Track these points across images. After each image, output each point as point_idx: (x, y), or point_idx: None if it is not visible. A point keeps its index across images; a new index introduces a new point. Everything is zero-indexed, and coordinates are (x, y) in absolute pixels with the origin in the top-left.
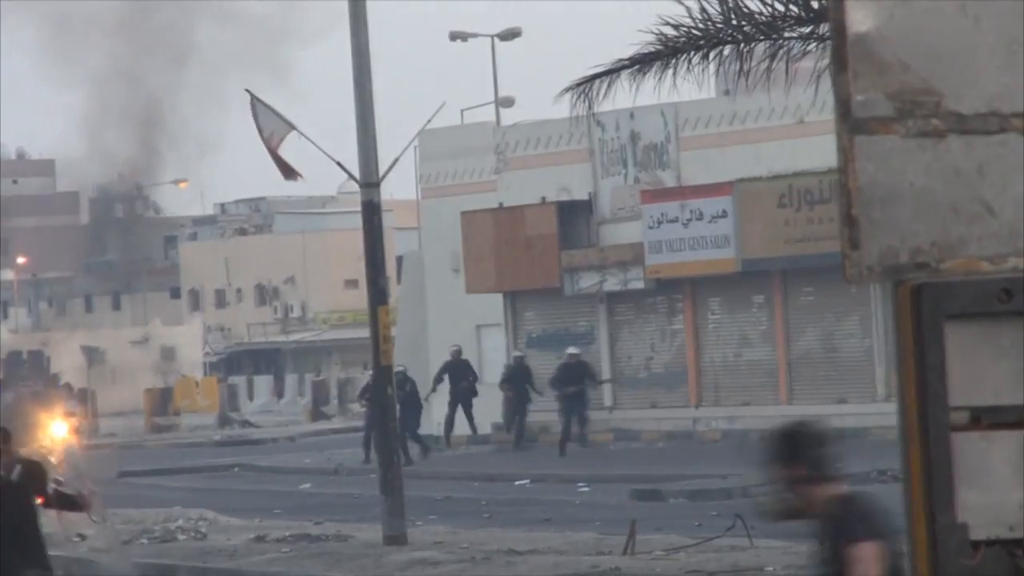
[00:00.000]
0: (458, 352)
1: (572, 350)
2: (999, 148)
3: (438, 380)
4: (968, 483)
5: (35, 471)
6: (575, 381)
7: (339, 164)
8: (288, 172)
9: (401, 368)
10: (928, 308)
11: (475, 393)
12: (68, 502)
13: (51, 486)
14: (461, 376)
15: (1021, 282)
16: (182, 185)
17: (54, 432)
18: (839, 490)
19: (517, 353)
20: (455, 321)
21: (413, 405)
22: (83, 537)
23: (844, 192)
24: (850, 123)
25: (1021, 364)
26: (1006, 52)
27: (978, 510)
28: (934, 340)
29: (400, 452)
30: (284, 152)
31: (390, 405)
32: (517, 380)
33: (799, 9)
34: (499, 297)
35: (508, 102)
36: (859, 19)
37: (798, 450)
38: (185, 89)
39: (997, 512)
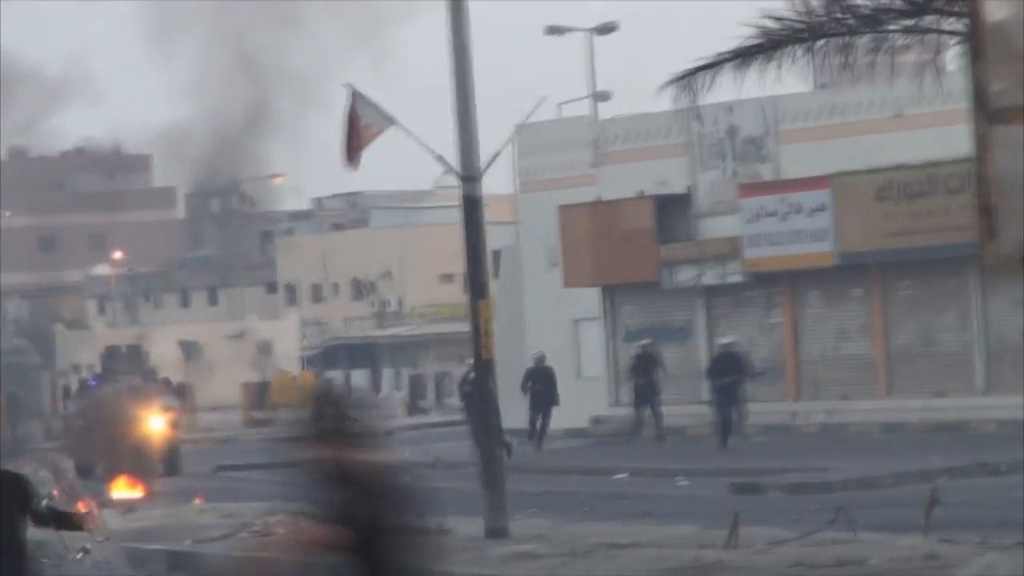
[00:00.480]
0: (541, 359)
1: (726, 340)
2: None
3: (524, 387)
4: None
5: (14, 487)
6: (729, 372)
7: (440, 158)
8: (353, 159)
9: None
10: None
11: (555, 402)
12: (63, 520)
13: (43, 502)
14: (543, 382)
15: None
16: (279, 180)
17: (153, 426)
18: (370, 457)
19: (646, 340)
20: (552, 315)
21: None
22: (87, 551)
23: (981, 181)
24: (987, 112)
25: None
26: None
27: None
28: None
29: (503, 446)
30: (376, 145)
31: (492, 399)
32: (645, 369)
33: (902, 1)
34: (596, 291)
35: (605, 96)
36: (996, 9)
37: (326, 411)
38: (284, 81)
39: None
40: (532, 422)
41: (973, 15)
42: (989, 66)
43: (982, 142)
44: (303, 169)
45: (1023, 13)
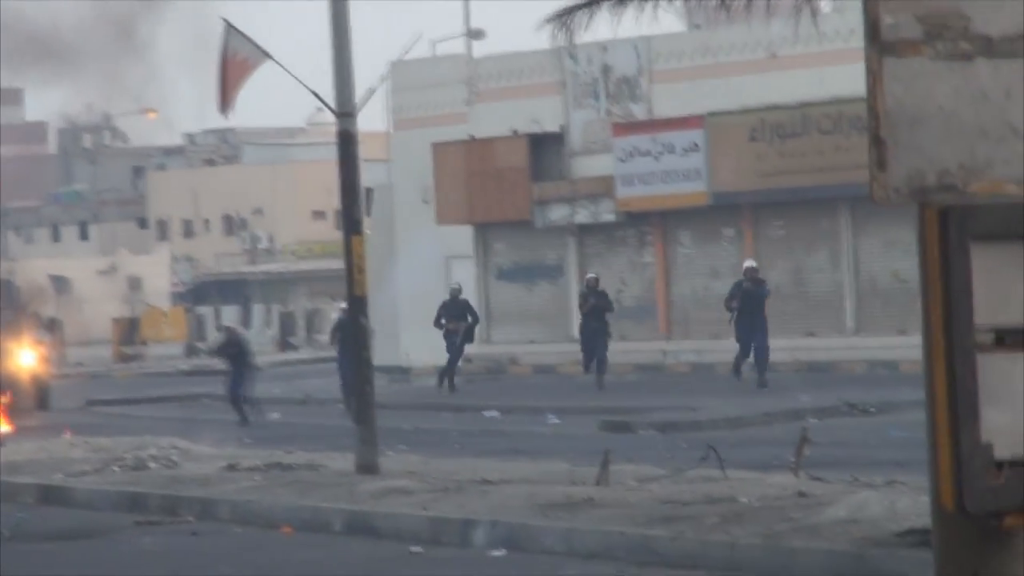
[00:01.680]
0: (457, 291)
1: (592, 275)
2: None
3: (438, 322)
4: (992, 404)
5: None
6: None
7: (315, 94)
8: (227, 103)
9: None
10: (955, 230)
11: (471, 339)
12: None
13: None
14: (460, 317)
15: None
16: (151, 115)
17: (22, 361)
18: None
19: (591, 275)
20: (424, 253)
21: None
22: None
23: (872, 114)
24: (879, 45)
25: None
26: None
27: (1002, 430)
28: (960, 262)
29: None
30: (250, 81)
31: (364, 335)
32: (750, 300)
33: None
34: (469, 229)
35: (479, 34)
36: None
37: None
38: (159, 18)
39: (1020, 433)
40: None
41: None
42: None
43: (874, 75)
44: (175, 104)
45: None
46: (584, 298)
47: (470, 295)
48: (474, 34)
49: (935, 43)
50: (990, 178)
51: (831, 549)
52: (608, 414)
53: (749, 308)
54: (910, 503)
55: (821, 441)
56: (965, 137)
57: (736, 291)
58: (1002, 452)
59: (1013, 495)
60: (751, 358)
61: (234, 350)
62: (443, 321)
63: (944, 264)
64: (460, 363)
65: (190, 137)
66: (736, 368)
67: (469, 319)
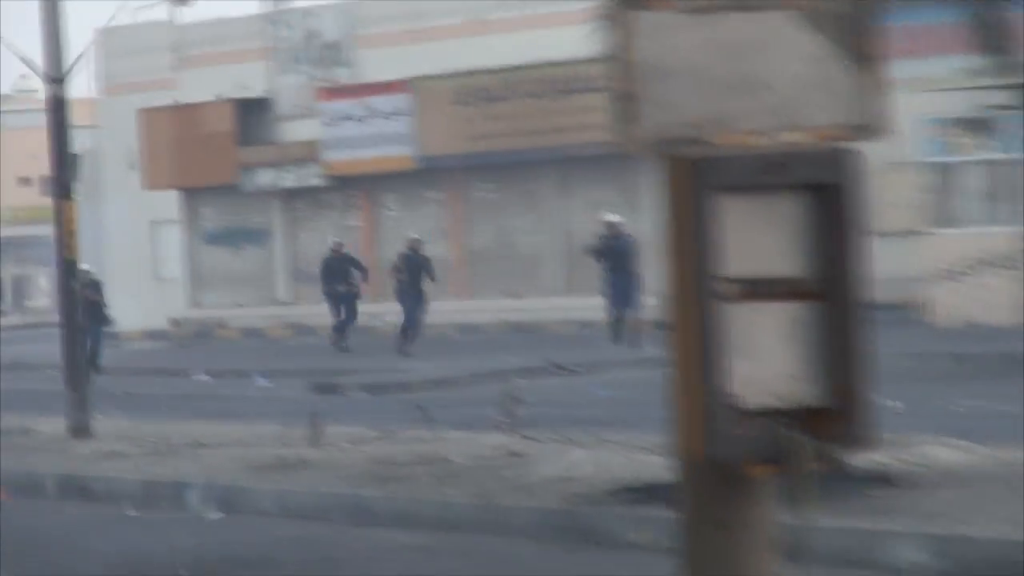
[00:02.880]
0: (339, 245)
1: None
2: (774, 24)
3: (329, 288)
4: (738, 354)
5: None
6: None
7: (24, 60)
8: None
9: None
10: (702, 181)
11: (358, 295)
12: None
13: None
14: (344, 272)
15: (793, 156)
16: None
17: None
18: None
19: (413, 235)
20: (132, 218)
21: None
22: None
23: (619, 66)
24: None
25: (791, 236)
26: None
27: (747, 380)
28: (707, 212)
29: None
30: None
31: (75, 300)
32: (413, 269)
33: None
34: (176, 193)
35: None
36: None
37: None
38: None
39: (765, 382)
40: (337, 318)
41: None
42: None
43: (620, 27)
44: None
45: None
46: (401, 263)
47: (178, 259)
48: (177, 1)
49: None
50: (738, 130)
51: (543, 507)
52: (317, 376)
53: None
54: (622, 461)
55: (531, 401)
56: (713, 90)
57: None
58: (747, 402)
59: (758, 444)
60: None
61: None
62: (337, 287)
63: (692, 216)
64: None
65: None
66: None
67: (358, 274)
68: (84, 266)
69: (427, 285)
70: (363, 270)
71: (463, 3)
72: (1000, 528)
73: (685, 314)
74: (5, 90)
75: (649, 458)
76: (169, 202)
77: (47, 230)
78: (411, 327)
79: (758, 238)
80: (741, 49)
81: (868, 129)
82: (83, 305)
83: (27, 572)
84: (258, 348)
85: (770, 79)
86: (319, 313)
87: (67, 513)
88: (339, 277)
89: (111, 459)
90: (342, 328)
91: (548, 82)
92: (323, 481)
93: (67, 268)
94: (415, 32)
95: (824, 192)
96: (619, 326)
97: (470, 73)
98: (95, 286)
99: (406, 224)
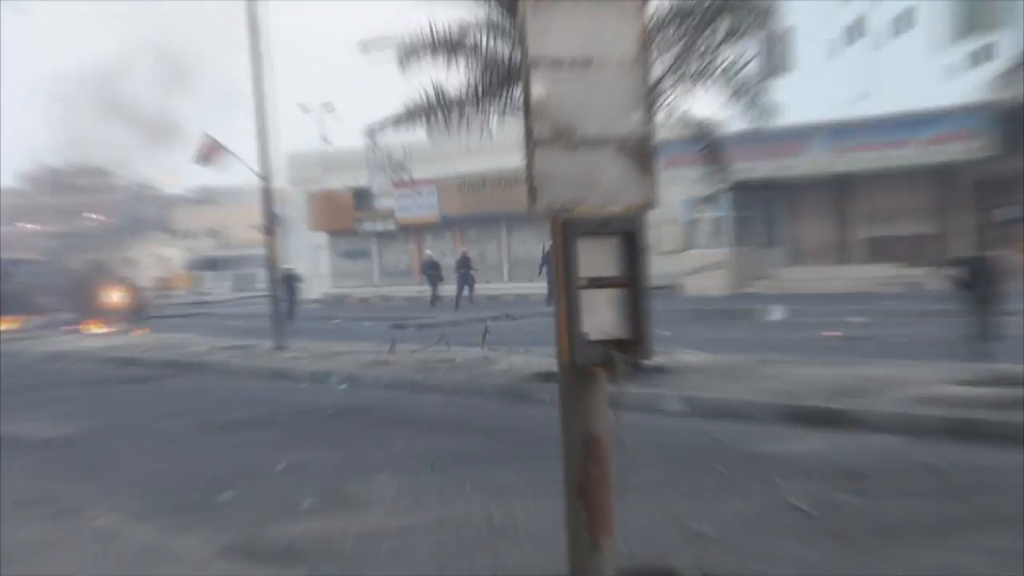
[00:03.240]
0: (429, 256)
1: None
2: (602, 153)
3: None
4: (588, 313)
5: None
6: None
7: (250, 168)
8: None
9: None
10: (570, 231)
11: (443, 280)
12: None
13: None
14: (434, 267)
15: (614, 218)
16: None
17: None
18: None
19: (463, 249)
20: (304, 244)
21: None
22: None
23: (528, 176)
24: (531, 143)
25: (613, 257)
26: (614, 78)
27: (591, 325)
28: (572, 247)
29: None
30: None
31: (276, 284)
32: (464, 265)
33: None
34: (325, 234)
35: (327, 141)
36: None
37: None
38: None
39: (600, 326)
40: (433, 292)
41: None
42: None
43: (528, 159)
44: None
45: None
46: (458, 263)
47: (326, 265)
48: None
49: (560, 141)
50: (587, 205)
51: (499, 383)
52: (394, 320)
53: (463, 270)
54: (537, 361)
55: (496, 332)
56: (574, 187)
57: (458, 263)
58: (591, 335)
59: (596, 355)
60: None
61: None
62: (434, 274)
63: (565, 248)
64: None
65: None
66: (458, 300)
67: (441, 267)
68: (289, 266)
69: (472, 275)
70: (437, 267)
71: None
72: (720, 392)
73: (564, 295)
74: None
75: (549, 360)
76: (321, 238)
77: (261, 251)
78: (465, 296)
79: (597, 258)
80: (587, 165)
81: (649, 205)
82: (286, 285)
83: (259, 411)
84: (366, 308)
85: (601, 181)
86: (398, 291)
87: (272, 385)
88: (435, 270)
89: (294, 361)
90: (435, 299)
91: (502, 179)
92: (396, 371)
93: (271, 268)
94: (438, 155)
95: (629, 236)
96: (550, 298)
97: (465, 175)
98: (294, 277)
99: (436, 248)
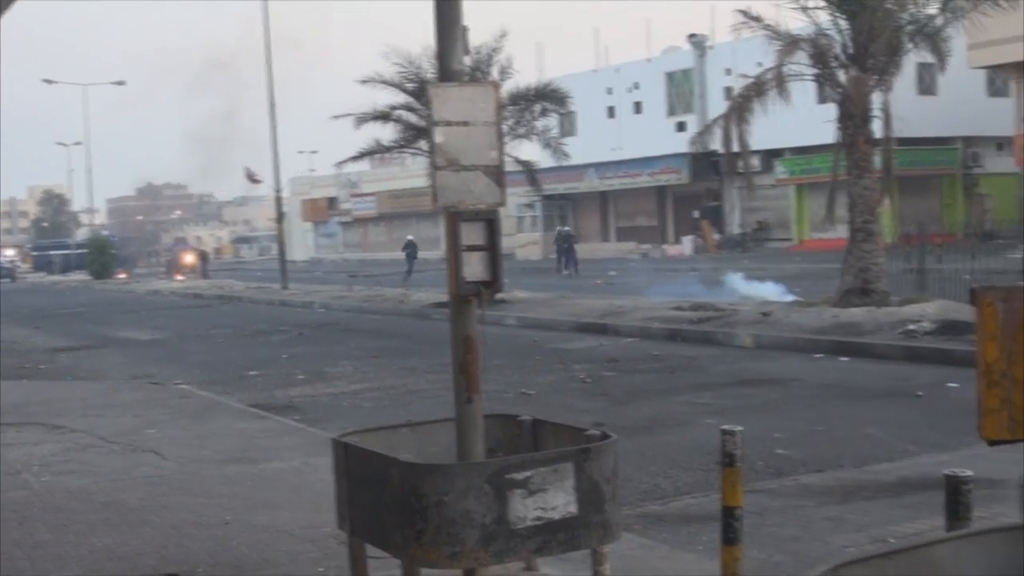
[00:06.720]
0: (562, 229)
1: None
2: (474, 175)
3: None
4: (466, 265)
5: None
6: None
7: (268, 184)
8: None
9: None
10: (456, 218)
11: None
12: None
13: None
14: (566, 240)
15: (482, 211)
16: None
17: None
18: None
19: (565, 228)
20: (301, 229)
21: None
22: None
23: (434, 185)
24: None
25: (481, 234)
26: (481, 132)
27: (468, 272)
28: (458, 227)
29: None
30: None
31: (283, 249)
32: (564, 240)
33: None
34: (311, 224)
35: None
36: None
37: None
38: None
39: (474, 275)
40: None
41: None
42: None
43: (432, 177)
44: None
45: None
46: (556, 238)
47: (312, 240)
48: None
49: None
50: (464, 203)
51: (414, 309)
52: (400, 275)
53: (566, 244)
54: (436, 296)
55: (413, 281)
56: (452, 191)
57: (555, 238)
58: (468, 278)
59: (470, 290)
60: None
61: None
62: (564, 244)
63: (454, 228)
64: None
65: None
66: (563, 266)
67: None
68: (410, 237)
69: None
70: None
71: (404, 166)
72: (537, 313)
73: (452, 255)
74: (261, 192)
75: (442, 294)
76: (308, 226)
77: (274, 233)
78: (574, 265)
79: (472, 234)
80: (466, 181)
81: (500, 205)
82: (407, 253)
83: (271, 324)
84: (334, 266)
85: (473, 190)
86: (352, 256)
87: (280, 309)
88: (565, 245)
89: (291, 295)
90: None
91: (415, 191)
92: (351, 302)
93: (280, 242)
94: (376, 177)
95: (489, 222)
96: (558, 265)
97: (394, 189)
98: (412, 244)
99: (378, 234)
